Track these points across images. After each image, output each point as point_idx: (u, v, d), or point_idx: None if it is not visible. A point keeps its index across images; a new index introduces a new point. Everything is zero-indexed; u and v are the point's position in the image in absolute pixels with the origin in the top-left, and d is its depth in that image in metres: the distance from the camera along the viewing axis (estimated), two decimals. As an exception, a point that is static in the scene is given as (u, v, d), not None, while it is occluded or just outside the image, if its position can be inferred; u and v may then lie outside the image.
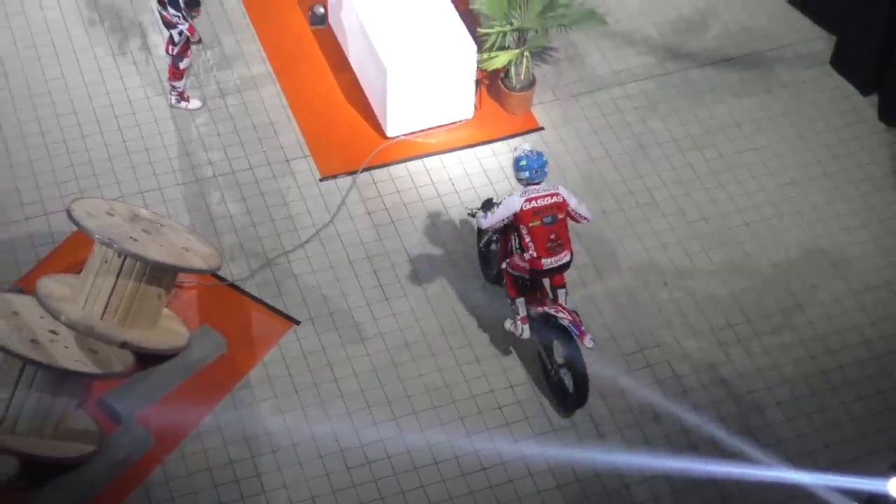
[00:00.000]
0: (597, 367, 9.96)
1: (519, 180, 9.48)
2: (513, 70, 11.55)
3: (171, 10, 10.85)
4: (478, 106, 11.68)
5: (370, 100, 11.66)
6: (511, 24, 11.38)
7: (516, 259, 9.59)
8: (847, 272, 10.72)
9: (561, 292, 9.70)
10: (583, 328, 9.37)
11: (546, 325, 9.63)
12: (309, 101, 11.74)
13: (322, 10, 12.18)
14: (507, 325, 9.96)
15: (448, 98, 11.40)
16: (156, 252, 9.36)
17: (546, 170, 9.45)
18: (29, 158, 11.13)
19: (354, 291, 10.43)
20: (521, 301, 9.74)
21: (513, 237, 9.68)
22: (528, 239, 9.40)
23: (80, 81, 11.71)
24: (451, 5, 11.57)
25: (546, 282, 9.77)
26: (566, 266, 9.53)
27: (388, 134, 11.45)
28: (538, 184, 9.42)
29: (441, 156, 11.33)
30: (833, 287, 10.62)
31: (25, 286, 9.94)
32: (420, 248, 10.74)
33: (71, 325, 9.20)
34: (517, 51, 11.48)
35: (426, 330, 10.23)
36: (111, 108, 11.53)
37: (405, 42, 11.20)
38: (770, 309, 10.47)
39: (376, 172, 11.24)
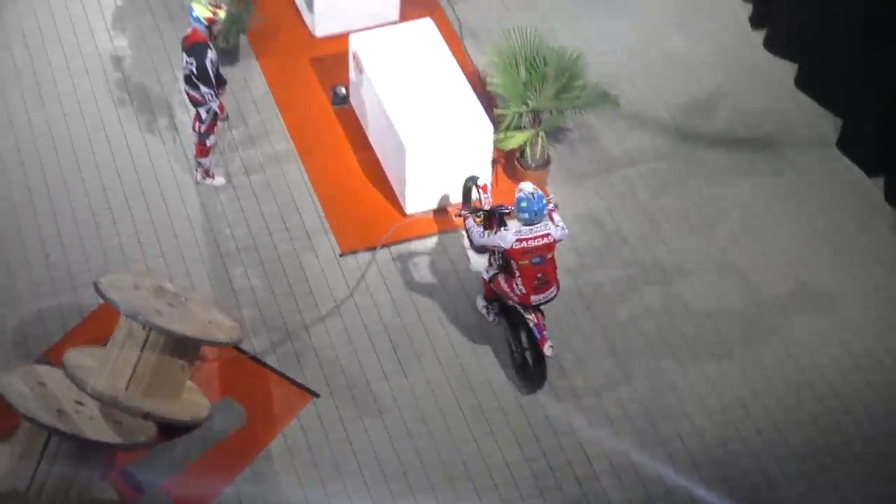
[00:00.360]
0: (609, 442, 9.93)
1: (517, 219, 9.84)
2: (528, 150, 11.62)
3: (204, 89, 10.95)
4: (494, 184, 11.73)
5: (390, 177, 11.72)
6: (527, 105, 11.47)
7: (503, 284, 10.01)
8: (856, 350, 10.67)
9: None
10: (545, 333, 9.92)
11: (514, 316, 10.20)
12: (330, 178, 11.81)
13: (343, 90, 12.30)
14: (480, 304, 10.59)
15: (465, 176, 11.44)
16: (180, 325, 9.36)
17: (545, 212, 9.82)
18: (58, 232, 11.20)
19: (372, 365, 10.42)
20: (496, 304, 10.42)
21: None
22: (517, 273, 9.88)
23: (109, 159, 11.80)
24: (469, 87, 11.66)
25: None
26: (553, 299, 10.09)
27: (407, 211, 11.50)
28: (534, 224, 9.79)
29: (458, 233, 11.35)
30: (841, 364, 10.57)
31: (53, 357, 9.96)
32: (437, 322, 10.74)
33: (96, 396, 9.18)
34: (533, 131, 11.55)
35: (442, 403, 10.20)
36: (139, 185, 11.62)
37: (424, 122, 11.28)
38: (779, 384, 10.41)
39: (395, 248, 11.26)
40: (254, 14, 12.54)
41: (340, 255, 11.21)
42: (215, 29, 10.96)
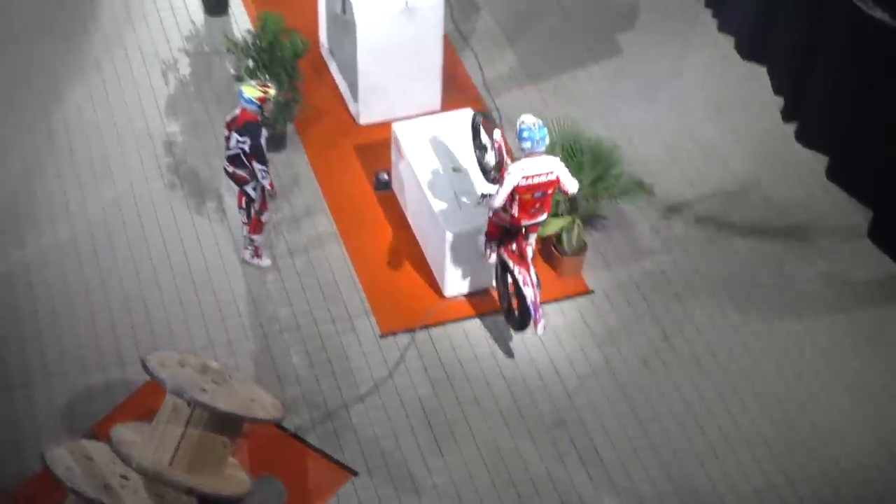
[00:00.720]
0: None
1: (520, 149, 10.22)
2: (565, 236, 11.66)
3: (258, 166, 10.99)
4: (531, 269, 11.76)
5: (429, 260, 11.79)
6: (564, 193, 11.51)
7: (500, 212, 10.44)
8: (890, 441, 10.55)
9: (532, 236, 10.70)
10: (539, 313, 10.37)
11: (506, 269, 10.71)
12: (371, 261, 11.88)
13: (386, 176, 12.43)
14: (480, 241, 10.94)
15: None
16: (224, 402, 9.38)
17: (546, 141, 10.16)
18: (109, 309, 11.30)
19: (410, 445, 10.40)
20: (496, 242, 10.77)
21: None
22: (515, 203, 10.28)
23: (159, 240, 11.94)
24: (508, 174, 11.75)
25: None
26: (542, 221, 10.57)
27: (446, 294, 11.54)
28: (536, 154, 10.15)
29: (495, 316, 11.37)
30: (876, 454, 10.45)
31: (100, 432, 10.00)
32: (474, 404, 10.72)
33: (141, 471, 9.19)
34: (569, 218, 11.59)
35: (479, 485, 10.14)
36: (187, 265, 11.73)
37: (464, 207, 11.36)
38: (812, 471, 10.30)
39: (434, 330, 11.29)
40: (301, 104, 12.70)
41: (381, 337, 11.24)
42: (267, 109, 11.02)
